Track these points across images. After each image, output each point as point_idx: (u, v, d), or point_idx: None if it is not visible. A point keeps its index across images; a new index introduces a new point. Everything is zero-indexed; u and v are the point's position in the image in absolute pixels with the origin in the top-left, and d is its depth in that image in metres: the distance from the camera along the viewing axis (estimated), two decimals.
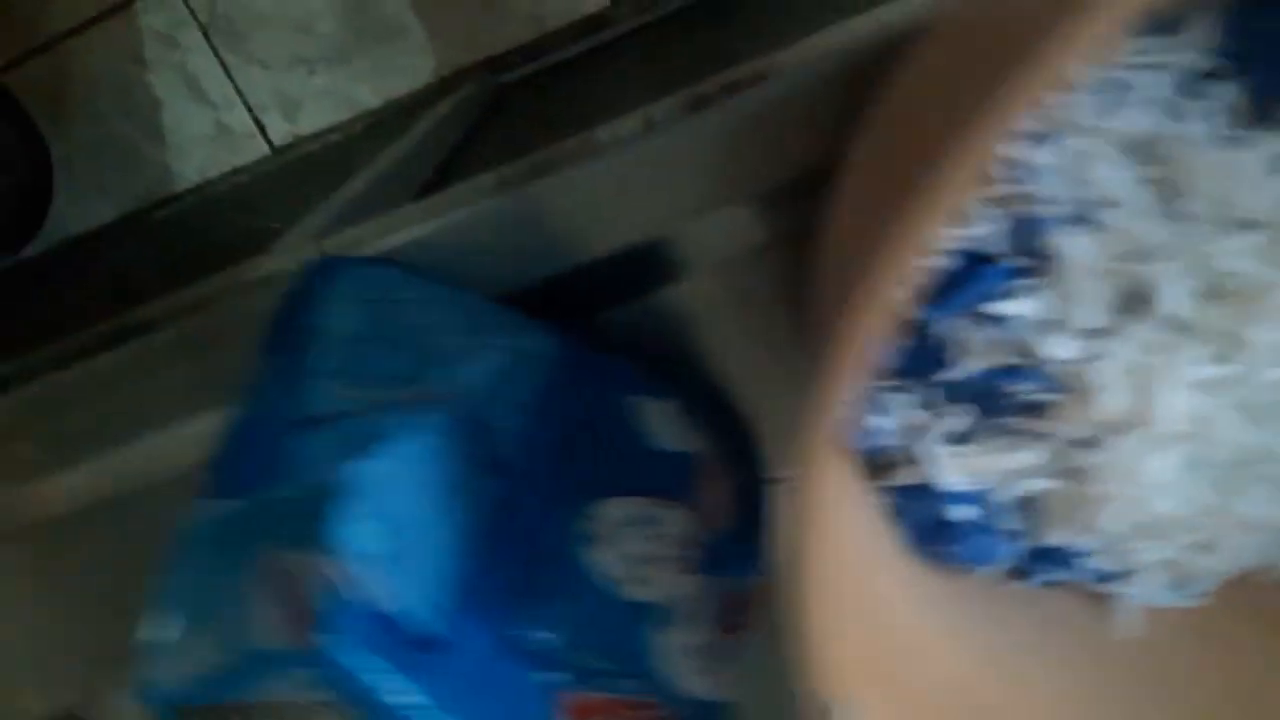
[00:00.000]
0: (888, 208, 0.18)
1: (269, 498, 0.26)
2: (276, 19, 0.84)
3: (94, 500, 0.49)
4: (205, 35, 0.84)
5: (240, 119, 0.87)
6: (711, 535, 0.31)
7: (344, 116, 0.87)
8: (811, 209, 0.33)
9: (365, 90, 0.87)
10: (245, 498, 0.26)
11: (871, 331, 0.18)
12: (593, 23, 0.84)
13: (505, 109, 0.78)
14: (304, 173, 0.85)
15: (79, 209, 0.88)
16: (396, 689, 0.24)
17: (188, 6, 0.83)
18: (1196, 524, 0.28)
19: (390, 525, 0.25)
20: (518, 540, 0.28)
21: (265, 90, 0.86)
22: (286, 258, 0.41)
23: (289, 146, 0.88)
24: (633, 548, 0.30)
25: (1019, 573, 0.30)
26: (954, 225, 0.25)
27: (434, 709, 0.24)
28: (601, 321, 0.34)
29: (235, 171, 0.88)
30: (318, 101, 0.87)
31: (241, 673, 0.24)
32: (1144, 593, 0.29)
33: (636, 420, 0.32)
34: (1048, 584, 0.30)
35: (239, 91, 0.86)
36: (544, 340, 0.30)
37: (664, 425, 0.32)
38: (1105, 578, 0.29)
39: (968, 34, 0.24)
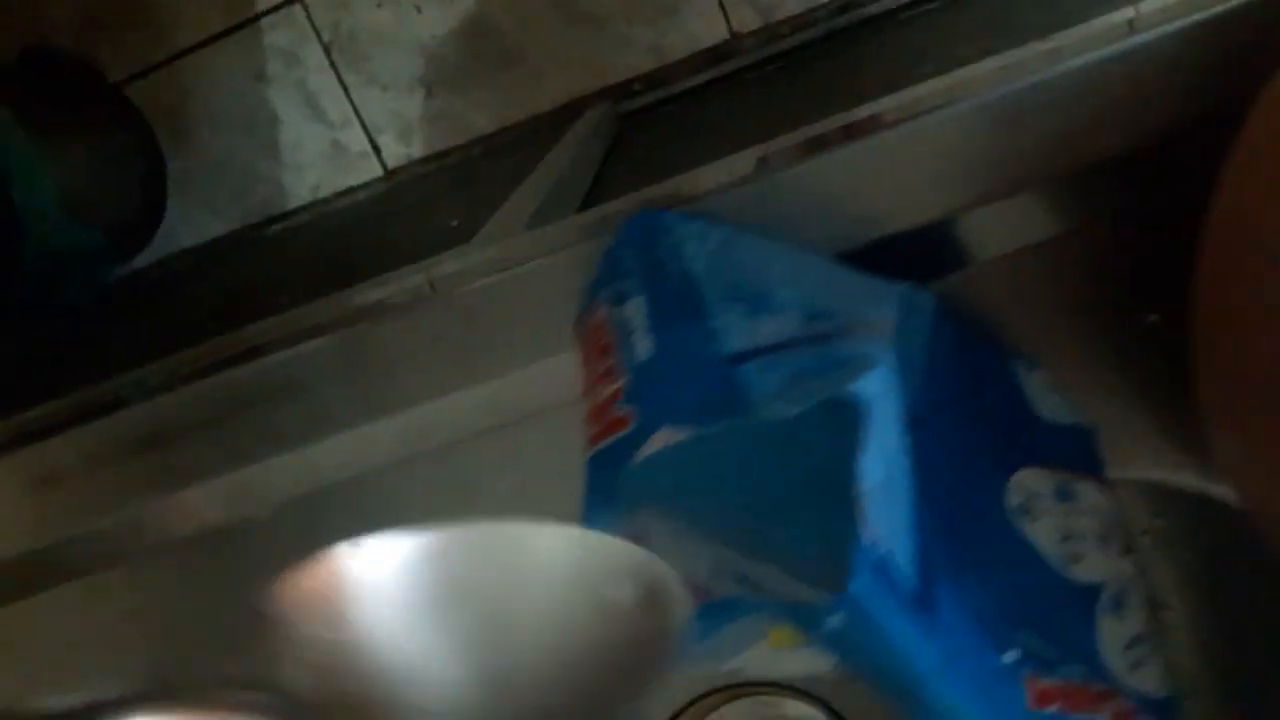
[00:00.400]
0: None
1: (760, 421, 0.24)
2: (398, 40, 0.84)
3: (212, 524, 0.49)
4: (327, 54, 0.84)
5: (356, 139, 0.87)
6: (1116, 519, 0.29)
7: (458, 141, 0.87)
8: (1102, 199, 0.31)
9: (481, 116, 0.86)
10: (705, 425, 0.24)
11: None
12: (714, 54, 0.83)
13: (629, 138, 0.76)
14: (415, 195, 0.84)
15: (191, 223, 0.88)
16: (906, 642, 0.22)
17: (312, 25, 0.84)
18: None
19: (886, 456, 0.23)
20: (950, 504, 0.25)
21: (382, 111, 0.86)
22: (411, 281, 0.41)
23: (402, 168, 0.88)
24: (1063, 521, 0.27)
25: None
26: None
27: (941, 671, 0.22)
28: None
29: (348, 191, 0.88)
30: (433, 125, 0.87)
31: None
32: None
33: (1023, 387, 0.29)
34: None
35: (356, 111, 0.86)
36: (928, 292, 0.28)
37: (1046, 395, 0.30)
38: None
39: None
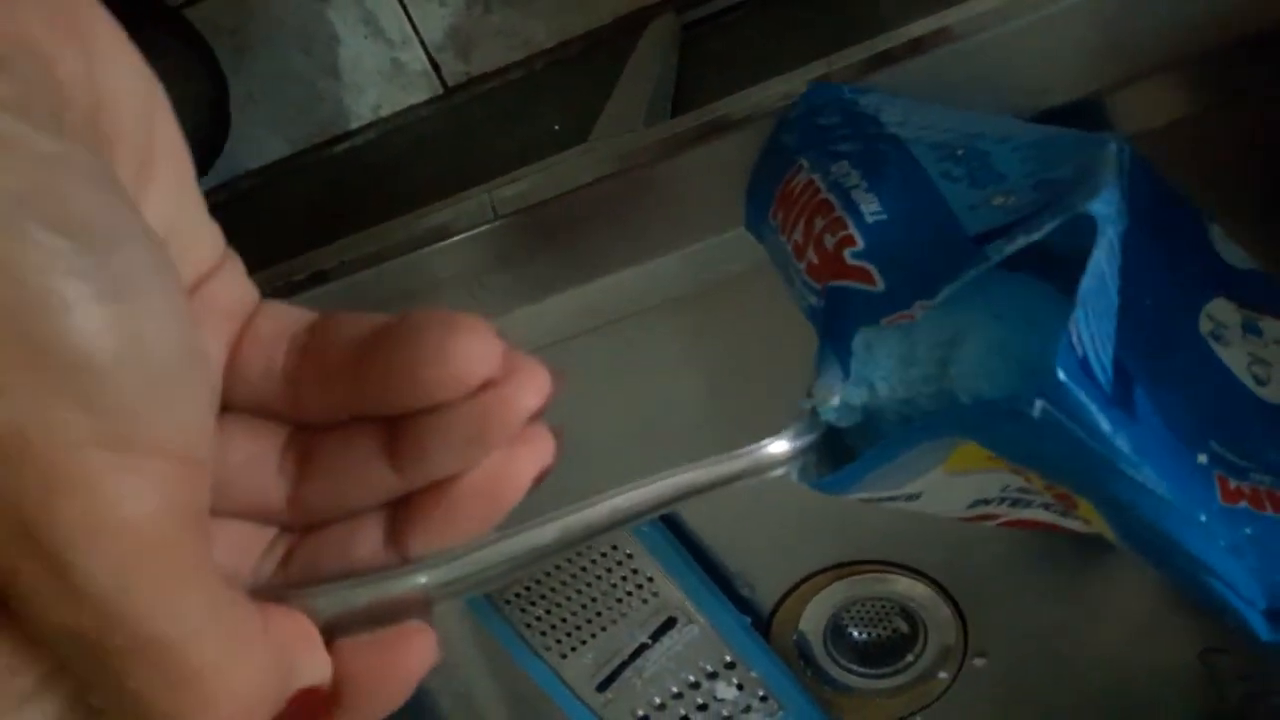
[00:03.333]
0: None
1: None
2: None
3: None
4: None
5: (416, 57, 0.87)
6: None
7: (519, 56, 0.87)
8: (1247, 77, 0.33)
9: (541, 29, 0.87)
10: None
11: None
12: None
13: (693, 49, 0.77)
14: (477, 113, 0.85)
15: (254, 144, 0.88)
16: (1103, 428, 0.24)
17: None
18: None
19: (1100, 278, 0.25)
20: (1148, 323, 0.28)
21: (441, 28, 0.86)
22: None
23: (462, 86, 0.88)
24: (1251, 350, 0.30)
25: None
26: None
27: (1136, 455, 0.24)
28: None
29: (409, 109, 0.88)
30: (493, 41, 0.87)
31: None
32: None
33: (1208, 232, 0.32)
34: None
35: (415, 28, 0.86)
36: (1127, 145, 0.30)
37: (1225, 242, 0.32)
38: None
39: None
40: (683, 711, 0.58)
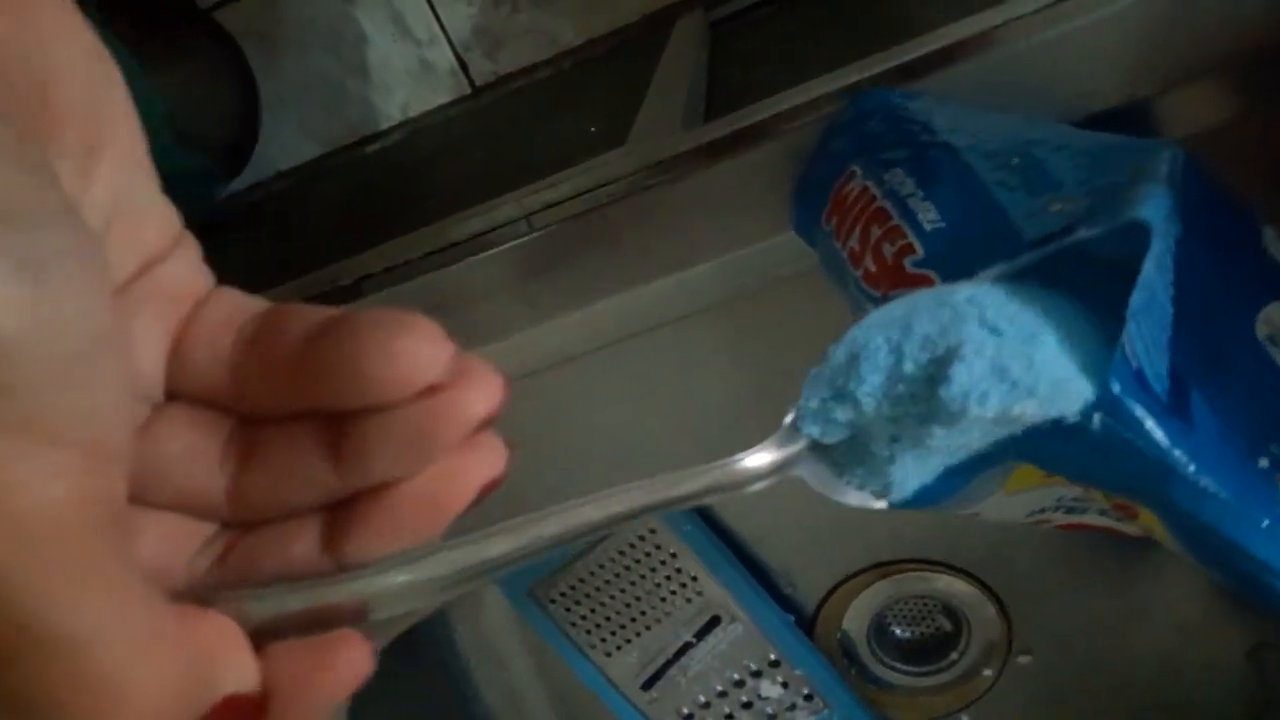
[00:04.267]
0: None
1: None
2: None
3: None
4: None
5: (443, 56, 0.87)
6: None
7: (546, 55, 0.87)
8: None
9: (568, 28, 0.86)
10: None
11: None
12: None
13: (733, 44, 0.77)
14: (505, 113, 0.85)
15: (284, 145, 0.89)
16: (1160, 438, 0.24)
17: None
18: None
19: (1150, 280, 0.25)
20: (1203, 330, 0.28)
21: (469, 28, 0.86)
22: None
23: (490, 86, 0.88)
24: None
25: None
26: None
27: (1194, 464, 0.24)
28: None
29: (438, 109, 0.88)
30: (520, 40, 0.87)
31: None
32: None
33: (1261, 236, 0.32)
34: None
35: (443, 28, 0.86)
36: (1180, 150, 0.30)
37: (1277, 244, 0.32)
38: None
39: None
40: (727, 710, 0.58)
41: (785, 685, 0.57)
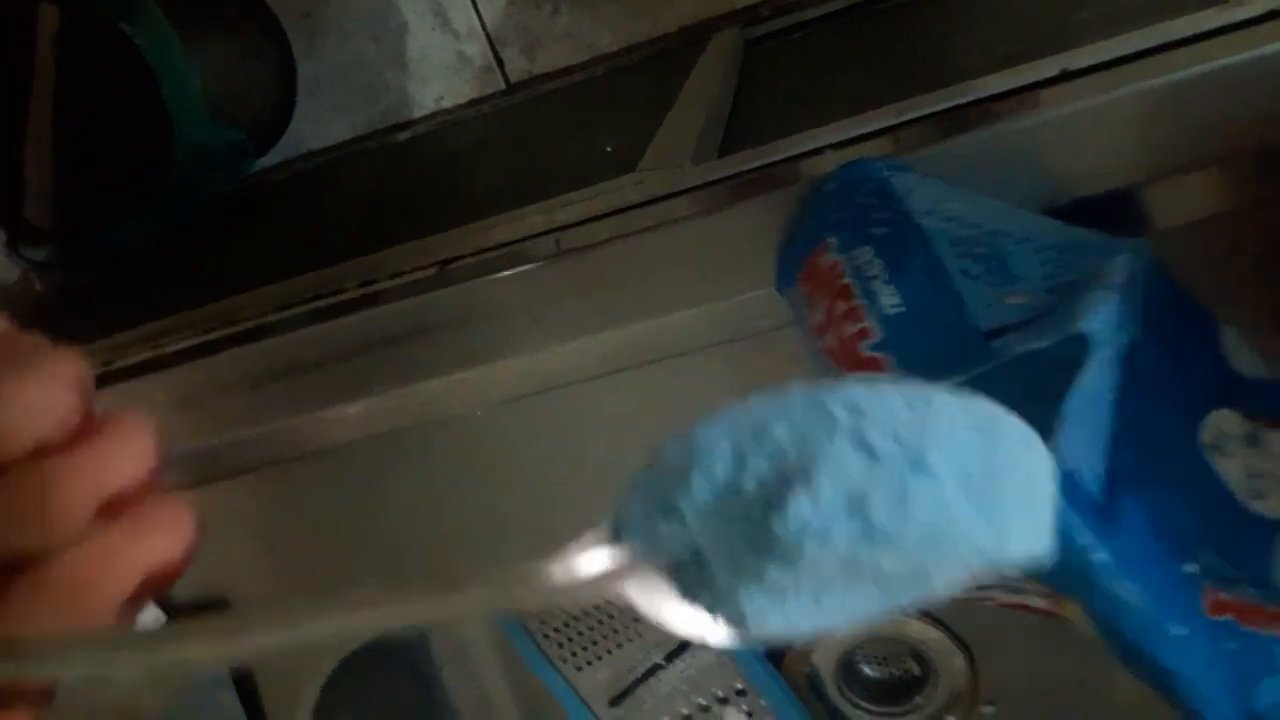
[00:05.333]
0: None
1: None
2: None
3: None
4: None
5: (480, 51, 0.88)
6: None
7: (582, 59, 0.88)
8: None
9: (606, 34, 0.87)
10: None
11: None
12: None
13: (765, 64, 0.77)
14: (537, 113, 0.86)
15: (317, 125, 0.90)
16: (1084, 541, 0.25)
17: None
18: None
19: (1092, 385, 0.26)
20: (1147, 433, 0.29)
21: (508, 25, 0.87)
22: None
23: (524, 84, 0.89)
24: (1251, 462, 0.30)
25: None
26: None
27: (1114, 567, 0.25)
28: None
29: (471, 103, 0.89)
30: (558, 42, 0.88)
31: None
32: None
33: (1219, 341, 0.32)
34: None
35: (482, 23, 0.87)
36: (1147, 250, 0.31)
37: (1240, 349, 0.33)
38: None
39: None
40: None
41: (750, 715, 0.58)
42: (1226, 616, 0.29)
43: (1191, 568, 0.28)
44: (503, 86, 0.89)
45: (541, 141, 0.79)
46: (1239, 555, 0.29)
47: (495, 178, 0.72)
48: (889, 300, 0.31)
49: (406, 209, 0.73)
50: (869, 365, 0.30)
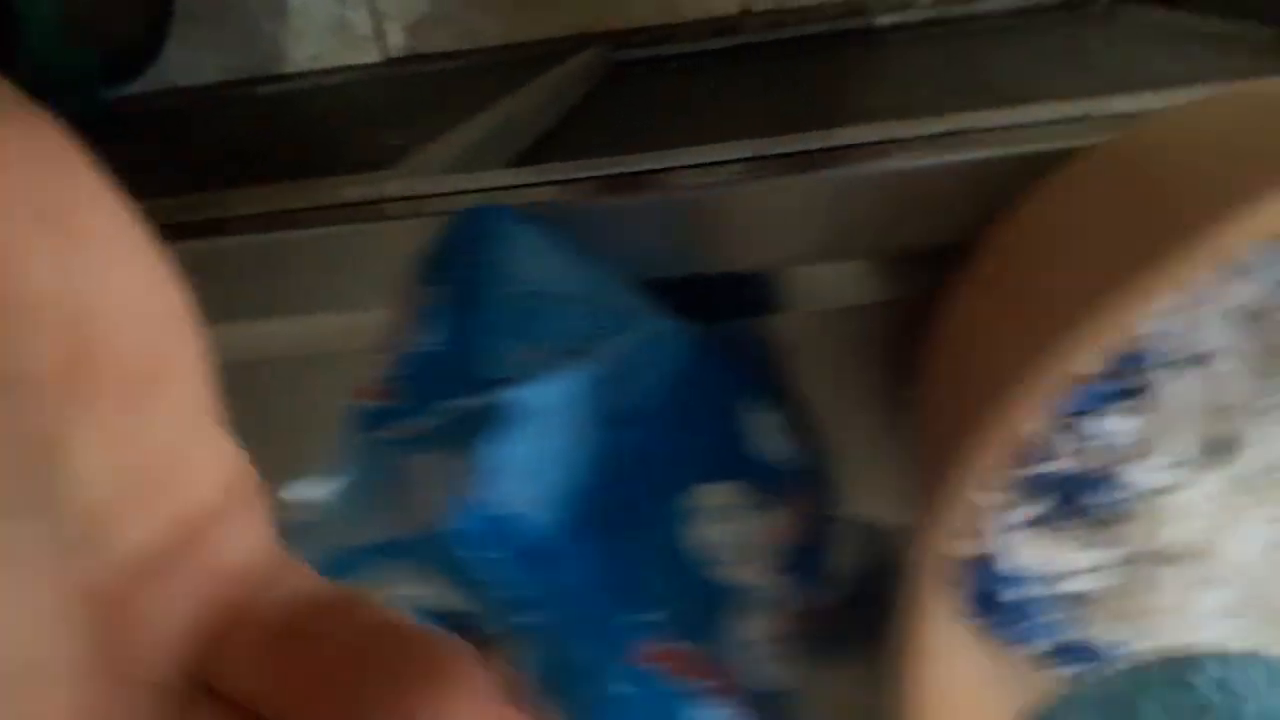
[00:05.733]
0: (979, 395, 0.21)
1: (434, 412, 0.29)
2: None
3: None
4: None
5: (362, 19, 0.89)
6: (789, 545, 0.35)
7: (462, 46, 0.89)
8: (925, 281, 0.36)
9: (490, 27, 0.88)
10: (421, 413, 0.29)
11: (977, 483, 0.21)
12: (723, 25, 0.86)
13: (616, 88, 0.79)
14: (410, 90, 0.87)
15: (186, 64, 0.90)
16: (505, 582, 0.27)
17: None
18: None
19: (528, 448, 0.28)
20: (630, 491, 0.31)
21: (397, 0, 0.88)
22: (398, 184, 0.44)
23: (402, 60, 0.90)
24: (726, 533, 0.33)
25: (1048, 661, 0.33)
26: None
27: (537, 607, 0.27)
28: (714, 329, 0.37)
29: (345, 69, 0.90)
30: (442, 26, 0.89)
31: (369, 554, 0.27)
32: None
33: (745, 423, 0.35)
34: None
35: None
36: (683, 329, 0.33)
37: (768, 435, 0.35)
38: None
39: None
40: None
41: None
42: (658, 665, 0.31)
43: (632, 618, 0.31)
44: (379, 59, 0.90)
45: (401, 119, 0.80)
46: (691, 617, 0.32)
47: (356, 143, 0.73)
48: (419, 338, 0.33)
49: (264, 162, 0.73)
50: (380, 395, 0.32)
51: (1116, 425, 0.28)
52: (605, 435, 0.31)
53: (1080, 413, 0.28)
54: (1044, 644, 0.33)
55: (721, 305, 0.36)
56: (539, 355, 0.30)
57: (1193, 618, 0.30)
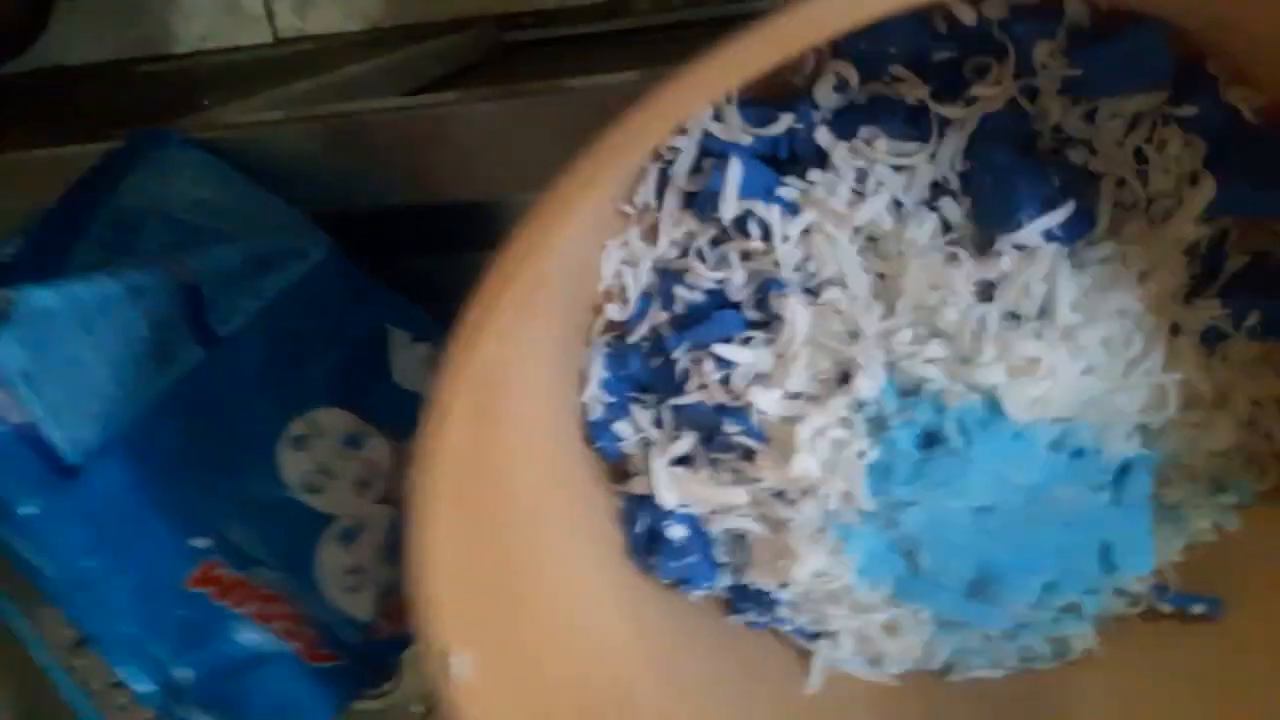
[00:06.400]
0: None
1: None
2: None
3: None
4: None
5: (252, 0, 0.88)
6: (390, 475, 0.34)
7: (353, 27, 0.88)
8: None
9: (381, 8, 0.88)
10: None
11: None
12: (609, 8, 0.85)
13: (498, 66, 0.79)
14: (298, 70, 0.86)
15: (71, 42, 0.89)
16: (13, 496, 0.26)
17: None
18: (885, 606, 0.29)
19: (46, 356, 0.27)
20: (210, 412, 0.30)
21: None
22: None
23: (291, 41, 0.89)
24: (327, 459, 0.32)
25: (728, 606, 0.32)
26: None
27: (46, 520, 0.26)
28: (414, 264, 0.36)
29: (234, 50, 0.89)
30: (332, 6, 0.88)
31: None
32: (834, 657, 0.31)
33: (388, 351, 0.34)
34: (752, 625, 0.32)
35: None
36: (318, 248, 0.32)
37: (411, 365, 0.34)
38: (802, 633, 0.31)
39: None
40: None
41: None
42: (206, 589, 0.30)
43: (203, 542, 0.30)
44: (270, 40, 0.89)
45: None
46: (277, 542, 0.31)
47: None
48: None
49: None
50: None
51: (745, 355, 0.27)
52: (180, 350, 0.30)
53: (715, 340, 0.28)
54: (715, 587, 0.32)
55: (433, 238, 0.36)
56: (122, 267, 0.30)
57: (840, 559, 0.29)
